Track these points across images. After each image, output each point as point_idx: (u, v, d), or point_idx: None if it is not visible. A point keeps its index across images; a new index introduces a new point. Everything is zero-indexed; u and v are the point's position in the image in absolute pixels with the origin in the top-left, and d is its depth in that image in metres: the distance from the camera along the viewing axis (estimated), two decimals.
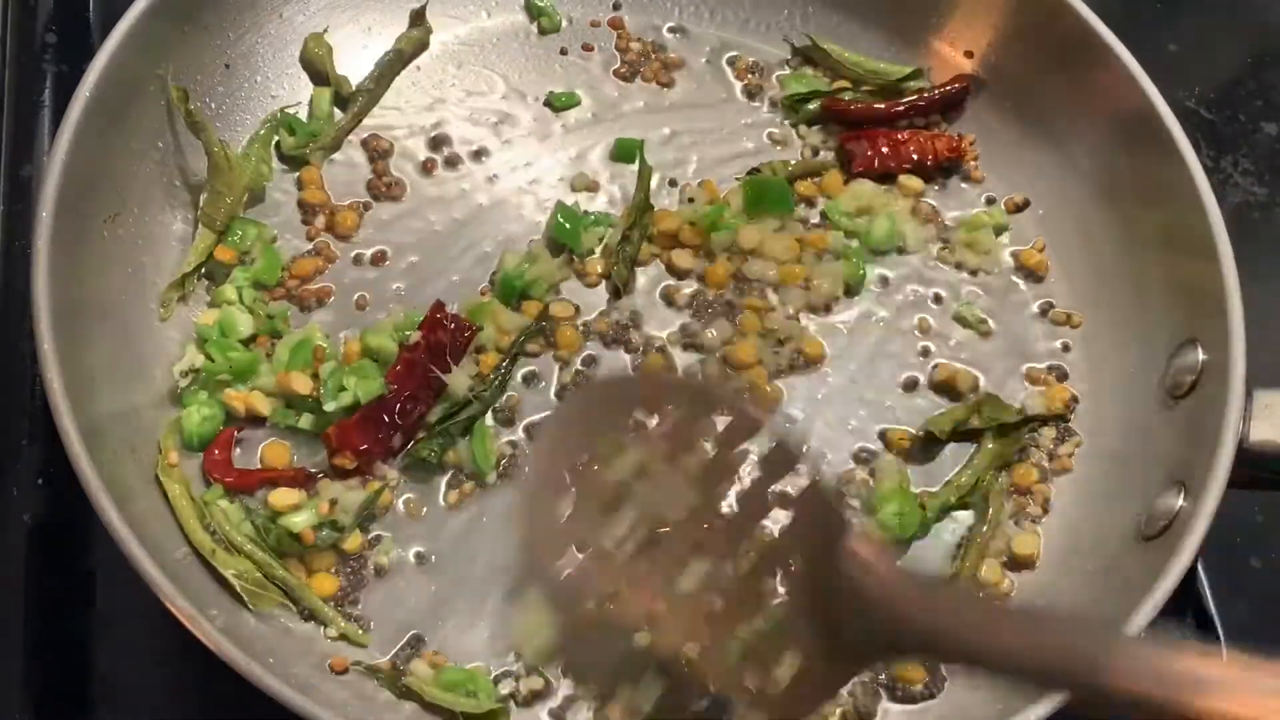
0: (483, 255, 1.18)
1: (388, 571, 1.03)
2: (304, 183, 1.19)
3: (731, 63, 1.32)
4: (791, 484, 0.79)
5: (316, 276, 1.15)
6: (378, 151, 1.22)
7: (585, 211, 1.20)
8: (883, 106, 1.28)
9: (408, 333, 1.09)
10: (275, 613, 0.98)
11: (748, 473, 0.79)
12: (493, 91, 1.27)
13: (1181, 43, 1.49)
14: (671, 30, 1.33)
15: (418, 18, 1.26)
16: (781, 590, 0.77)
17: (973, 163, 1.28)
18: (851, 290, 1.20)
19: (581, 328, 1.15)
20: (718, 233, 1.18)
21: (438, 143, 1.23)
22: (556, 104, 1.26)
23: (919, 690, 1.02)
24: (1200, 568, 1.14)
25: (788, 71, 1.31)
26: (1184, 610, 1.13)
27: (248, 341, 1.09)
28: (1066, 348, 1.20)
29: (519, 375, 1.12)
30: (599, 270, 1.18)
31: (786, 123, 1.29)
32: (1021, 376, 1.18)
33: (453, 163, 1.22)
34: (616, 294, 1.17)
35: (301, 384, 1.05)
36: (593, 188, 1.22)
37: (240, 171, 1.13)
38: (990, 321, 1.20)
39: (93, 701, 1.01)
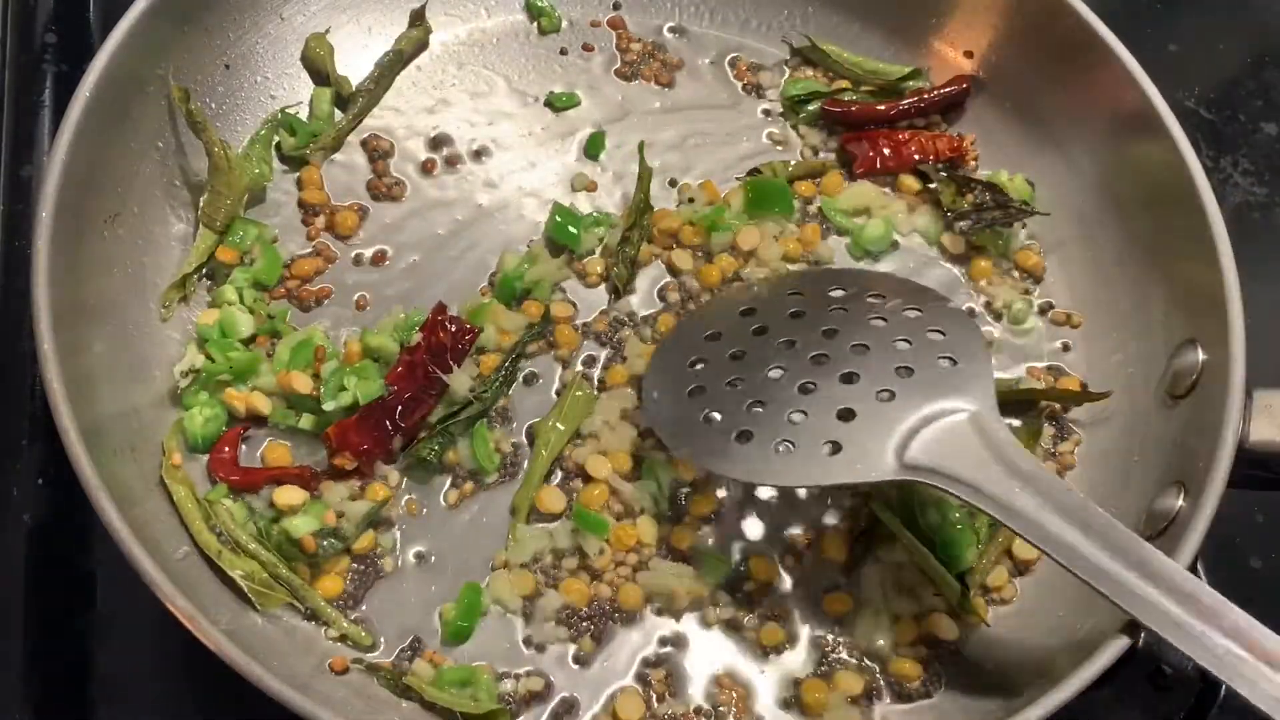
0: (483, 255, 1.18)
1: (389, 572, 1.03)
2: (304, 183, 1.19)
3: (732, 63, 1.32)
4: None
5: (316, 277, 1.15)
6: (378, 152, 1.22)
7: (587, 212, 1.20)
8: (883, 108, 1.28)
9: (409, 333, 1.09)
10: (279, 612, 0.99)
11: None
12: (493, 91, 1.27)
13: (1181, 43, 1.49)
14: (672, 30, 1.33)
15: (417, 18, 1.26)
16: None
17: (973, 162, 1.28)
18: None
19: (580, 327, 1.15)
20: (718, 233, 1.18)
21: (438, 143, 1.23)
22: (557, 104, 1.27)
23: (916, 689, 1.02)
24: (1200, 567, 1.14)
25: (787, 72, 1.31)
26: None
27: (248, 341, 1.09)
28: (1066, 348, 1.20)
29: (520, 375, 1.12)
30: (599, 270, 1.18)
31: (787, 123, 1.29)
32: (1022, 376, 1.18)
33: (453, 163, 1.22)
34: (617, 294, 1.17)
35: (302, 383, 1.05)
36: (592, 188, 1.23)
37: (241, 172, 1.13)
38: (990, 320, 1.20)
39: (92, 701, 1.01)
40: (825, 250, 1.21)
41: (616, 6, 1.33)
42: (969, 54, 1.30)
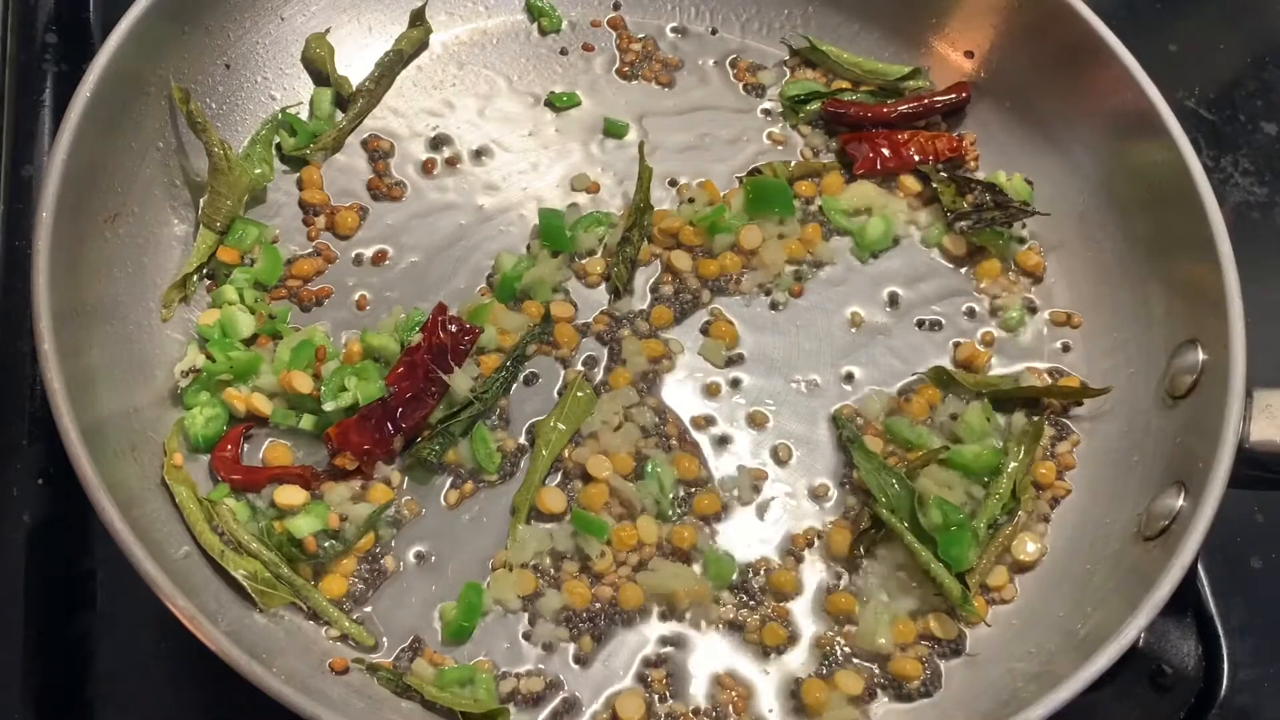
0: (483, 256, 1.18)
1: (390, 571, 1.03)
2: (304, 183, 1.19)
3: (732, 63, 1.32)
4: None
5: (317, 277, 1.15)
6: (378, 152, 1.22)
7: (587, 212, 1.20)
8: (884, 109, 1.28)
9: (409, 334, 1.09)
10: (281, 612, 0.99)
11: None
12: (493, 91, 1.27)
13: (1182, 43, 1.49)
14: (673, 31, 1.33)
15: (418, 17, 1.26)
16: None
17: (973, 162, 1.28)
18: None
19: (580, 327, 1.15)
20: (719, 233, 1.18)
21: (438, 143, 1.23)
22: (557, 104, 1.27)
23: (916, 688, 1.02)
24: (1200, 567, 1.14)
25: (787, 73, 1.31)
26: (1184, 610, 1.13)
27: (249, 342, 1.09)
28: (1066, 348, 1.20)
29: (520, 376, 1.12)
30: (599, 270, 1.18)
31: (787, 123, 1.29)
32: (1022, 374, 1.18)
33: (453, 163, 1.22)
34: (617, 294, 1.17)
35: (303, 383, 1.05)
36: (593, 188, 1.23)
37: (241, 172, 1.13)
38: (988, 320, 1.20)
39: (92, 701, 1.01)
40: (827, 251, 1.21)
41: (617, 6, 1.33)
42: (969, 54, 1.30)
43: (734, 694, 1.01)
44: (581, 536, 1.04)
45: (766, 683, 1.02)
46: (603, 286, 1.18)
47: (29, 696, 1.01)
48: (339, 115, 1.22)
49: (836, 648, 1.03)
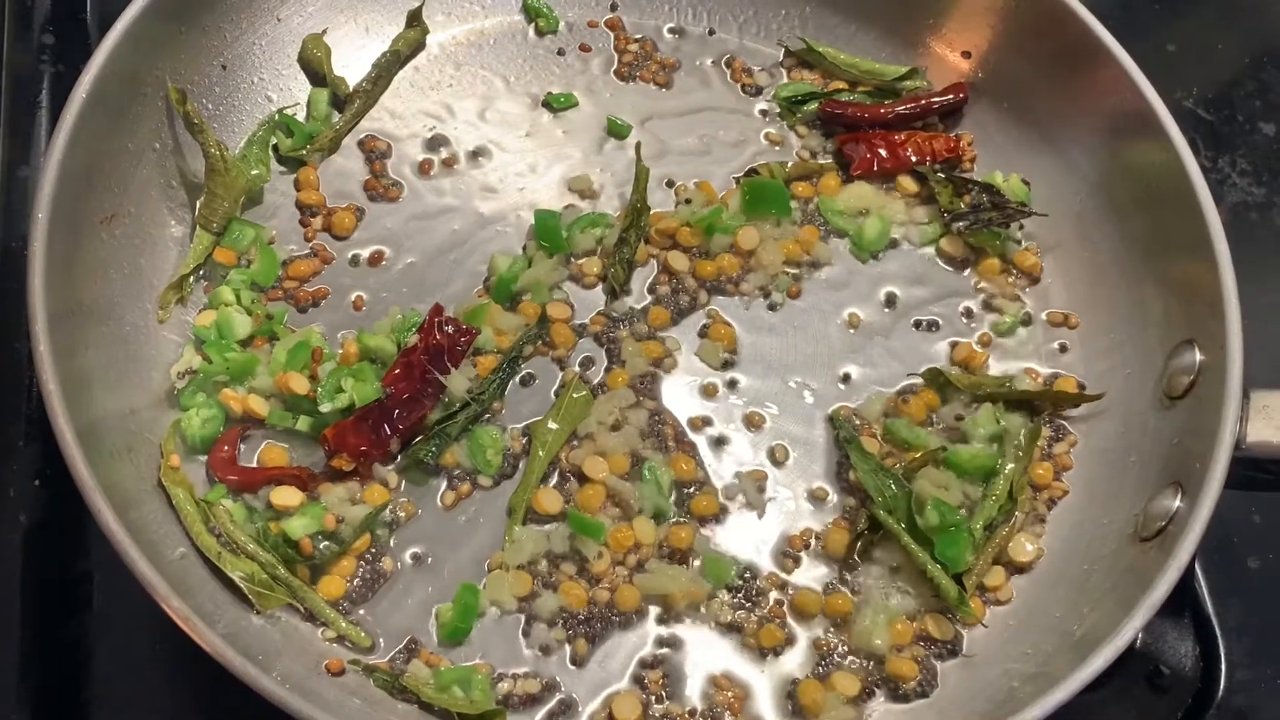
0: (480, 257, 1.18)
1: (386, 572, 1.03)
2: (301, 184, 1.19)
3: (729, 64, 1.32)
4: None
5: (314, 278, 1.15)
6: (375, 152, 1.22)
7: (584, 213, 1.20)
8: (881, 110, 1.27)
9: (406, 335, 1.09)
10: (278, 613, 0.99)
11: None
12: (491, 92, 1.27)
13: (1180, 43, 1.48)
14: (670, 31, 1.33)
15: (415, 18, 1.26)
16: None
17: (970, 163, 1.28)
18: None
19: (577, 328, 1.15)
20: (716, 234, 1.18)
21: (435, 144, 1.23)
22: (554, 105, 1.26)
23: (913, 689, 1.02)
24: (1198, 568, 1.14)
25: (784, 74, 1.31)
26: (1182, 610, 1.13)
27: (245, 343, 1.09)
28: (1064, 349, 1.20)
29: (516, 377, 1.12)
30: (596, 271, 1.18)
31: (784, 124, 1.29)
32: (1021, 377, 1.18)
33: (450, 164, 1.22)
34: (614, 295, 1.17)
35: (299, 384, 1.05)
36: (590, 189, 1.22)
37: (238, 173, 1.13)
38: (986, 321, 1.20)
39: (89, 703, 1.01)
40: (824, 252, 1.21)
41: (614, 7, 1.33)
42: (967, 54, 1.30)
43: (730, 695, 1.01)
44: (578, 538, 1.04)
45: (763, 683, 1.02)
46: (600, 287, 1.18)
47: (25, 698, 1.01)
48: (336, 116, 1.22)
49: (834, 649, 1.03)
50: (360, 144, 1.22)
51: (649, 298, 1.18)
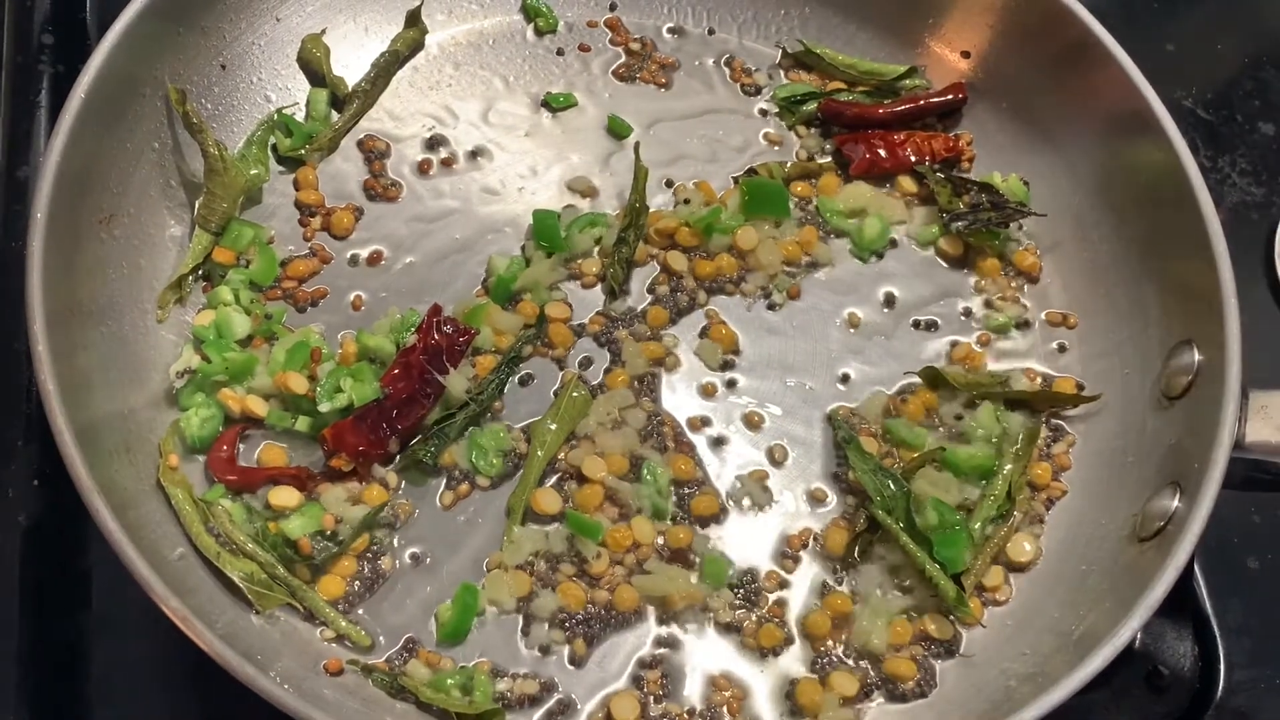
0: (479, 257, 1.18)
1: (385, 572, 1.03)
2: (300, 184, 1.19)
3: (729, 64, 1.32)
4: None
5: (312, 277, 1.15)
6: (374, 152, 1.22)
7: (584, 212, 1.20)
8: (880, 110, 1.27)
9: (405, 335, 1.09)
10: (277, 613, 0.99)
11: None
12: (490, 92, 1.27)
13: (1179, 43, 1.49)
14: (669, 31, 1.33)
15: (414, 18, 1.26)
16: None
17: (969, 163, 1.28)
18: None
19: (576, 328, 1.15)
20: (715, 234, 1.18)
21: (434, 144, 1.23)
22: (553, 104, 1.26)
23: (911, 689, 1.02)
24: (1196, 568, 1.14)
25: (783, 74, 1.31)
26: (1181, 610, 1.13)
27: (244, 342, 1.09)
28: (1062, 349, 1.20)
29: (515, 377, 1.12)
30: (595, 271, 1.18)
31: (783, 124, 1.29)
32: (1018, 376, 1.18)
33: (449, 164, 1.22)
34: (613, 295, 1.17)
35: (298, 384, 1.05)
36: (589, 189, 1.22)
37: (237, 173, 1.13)
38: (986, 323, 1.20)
39: (88, 702, 1.01)
40: (823, 252, 1.21)
41: (613, 7, 1.33)
42: (966, 54, 1.30)
43: (729, 695, 1.01)
44: (577, 538, 1.04)
45: (761, 684, 1.02)
46: (599, 287, 1.18)
47: (24, 697, 1.01)
48: (335, 116, 1.22)
49: (832, 649, 1.03)
50: (359, 144, 1.22)
51: (648, 298, 1.18)
